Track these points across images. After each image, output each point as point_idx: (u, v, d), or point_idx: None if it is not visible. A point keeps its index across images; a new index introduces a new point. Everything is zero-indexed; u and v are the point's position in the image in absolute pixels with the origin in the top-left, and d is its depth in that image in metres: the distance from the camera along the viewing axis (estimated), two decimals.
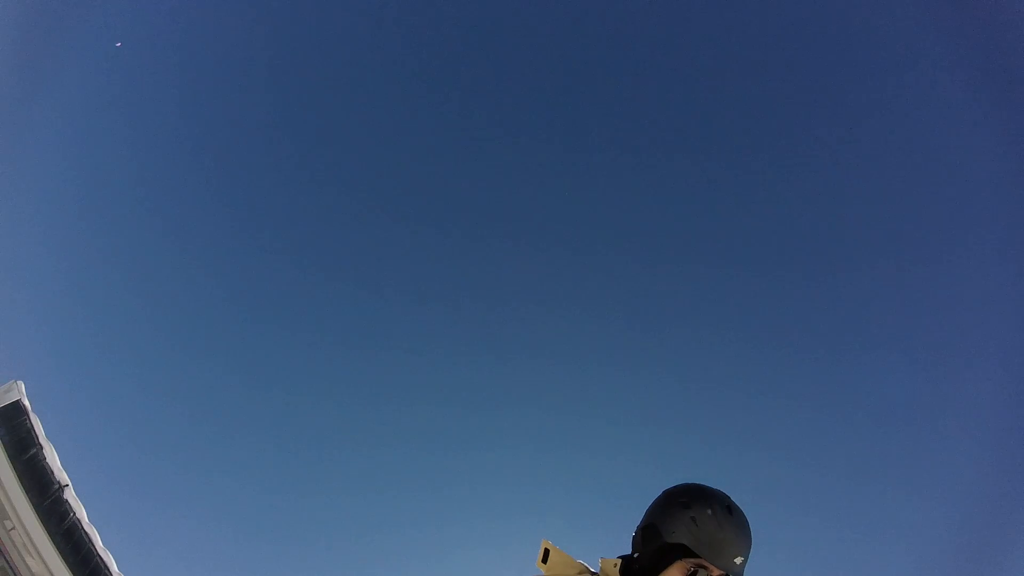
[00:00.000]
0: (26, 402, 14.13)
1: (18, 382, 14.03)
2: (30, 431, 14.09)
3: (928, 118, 24.16)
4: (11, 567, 13.00)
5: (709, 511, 1.68)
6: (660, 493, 1.81)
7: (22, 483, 13.54)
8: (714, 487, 1.77)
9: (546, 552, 1.89)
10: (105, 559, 14.66)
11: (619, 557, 1.84)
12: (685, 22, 26.88)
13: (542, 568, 1.90)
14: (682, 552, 1.67)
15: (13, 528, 12.99)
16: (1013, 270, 23.72)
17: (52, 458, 14.48)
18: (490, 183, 29.59)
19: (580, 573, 1.85)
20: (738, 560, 1.65)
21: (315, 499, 29.02)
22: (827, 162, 26.45)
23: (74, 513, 14.47)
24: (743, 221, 28.57)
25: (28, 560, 13.18)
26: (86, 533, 14.48)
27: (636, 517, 1.91)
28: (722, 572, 1.66)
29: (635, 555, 1.79)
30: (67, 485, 14.63)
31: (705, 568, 1.65)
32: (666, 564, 1.69)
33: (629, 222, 29.97)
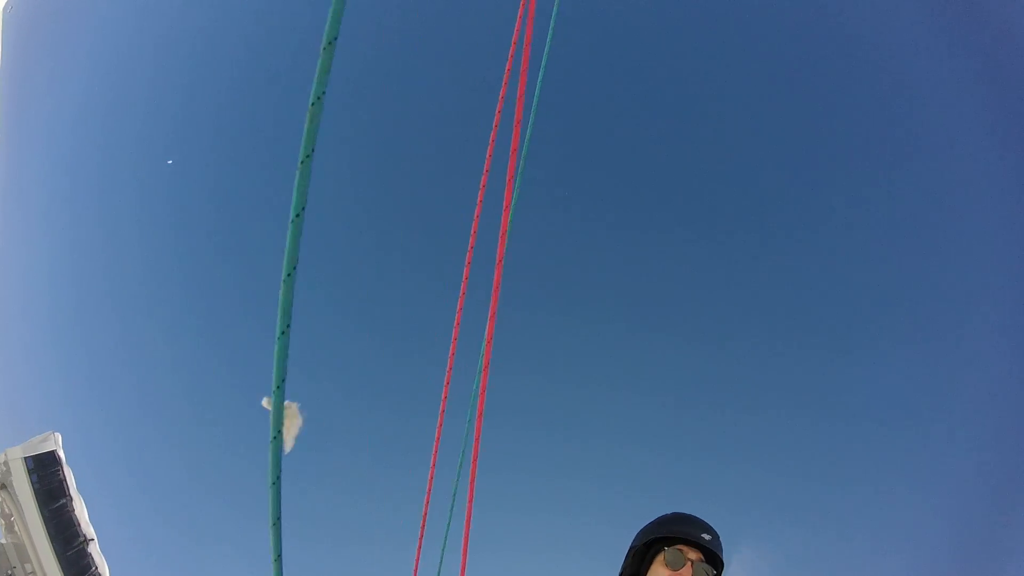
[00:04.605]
0: (61, 453, 14.74)
1: (55, 433, 14.77)
2: (62, 482, 14.52)
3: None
4: None
5: (671, 513, 1.89)
6: None
7: (48, 531, 13.69)
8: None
9: None
10: None
11: None
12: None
13: None
14: (661, 545, 1.80)
15: (33, 572, 12.91)
16: (1012, 268, 22.99)
17: (80, 511, 14.70)
18: None
19: None
20: (707, 537, 1.77)
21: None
22: (824, 160, 26.47)
23: (96, 568, 14.28)
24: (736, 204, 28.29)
25: None
26: None
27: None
28: (697, 552, 1.76)
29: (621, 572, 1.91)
30: (92, 539, 14.64)
31: (680, 551, 1.75)
32: (648, 562, 1.81)
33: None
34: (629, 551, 1.89)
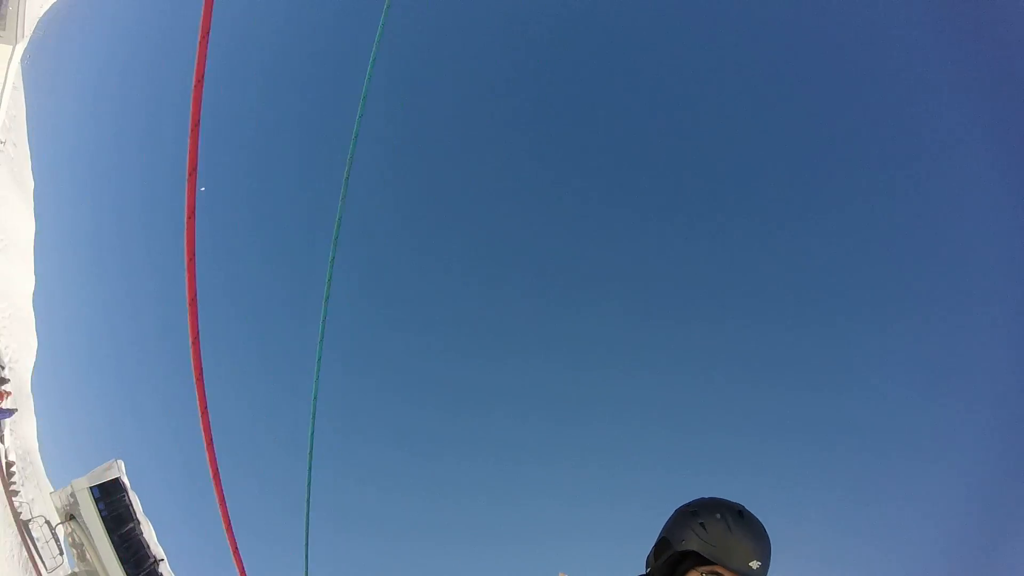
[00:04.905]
0: (125, 480, 15.13)
1: (118, 460, 15.18)
2: (128, 507, 14.89)
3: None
4: None
5: (718, 515, 1.64)
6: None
7: (118, 555, 14.05)
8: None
9: None
10: None
11: None
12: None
13: None
14: (695, 560, 1.62)
15: None
16: (1014, 267, 23.16)
17: (149, 533, 15.08)
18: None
19: None
20: (754, 564, 1.57)
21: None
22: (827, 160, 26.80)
23: None
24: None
25: None
26: None
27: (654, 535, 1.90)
28: None
29: (648, 571, 1.74)
30: (162, 559, 15.00)
31: (718, 574, 1.59)
32: (682, 573, 1.64)
33: None
34: (664, 544, 1.71)
